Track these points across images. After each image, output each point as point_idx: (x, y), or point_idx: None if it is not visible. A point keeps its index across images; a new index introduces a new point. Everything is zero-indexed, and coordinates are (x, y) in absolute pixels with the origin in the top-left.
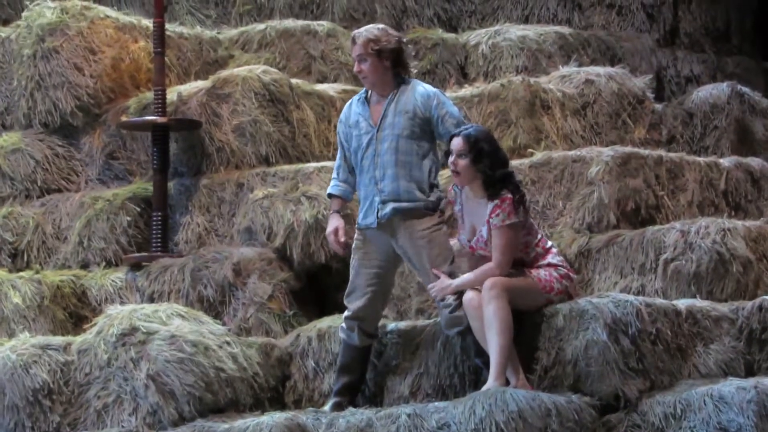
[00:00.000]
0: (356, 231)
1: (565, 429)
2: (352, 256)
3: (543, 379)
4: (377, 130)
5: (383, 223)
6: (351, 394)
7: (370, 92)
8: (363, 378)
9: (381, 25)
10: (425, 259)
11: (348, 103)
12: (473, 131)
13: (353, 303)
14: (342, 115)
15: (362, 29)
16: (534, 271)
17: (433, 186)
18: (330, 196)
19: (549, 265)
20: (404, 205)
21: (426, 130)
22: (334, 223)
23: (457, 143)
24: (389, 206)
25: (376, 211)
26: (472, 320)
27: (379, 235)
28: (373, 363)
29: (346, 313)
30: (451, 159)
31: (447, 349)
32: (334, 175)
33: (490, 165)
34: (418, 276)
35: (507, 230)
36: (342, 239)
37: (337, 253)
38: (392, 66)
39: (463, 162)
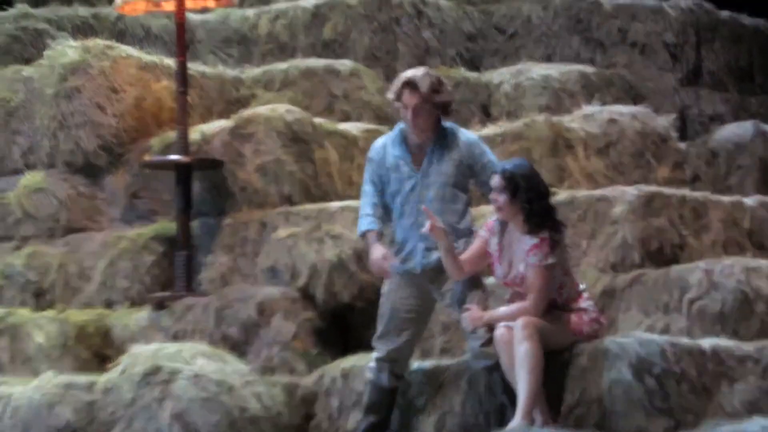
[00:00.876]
0: (392, 274)
1: None
2: (383, 298)
3: (568, 417)
4: (422, 177)
5: (426, 270)
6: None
7: (407, 134)
8: (389, 418)
9: (436, 74)
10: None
11: (381, 144)
12: (509, 167)
13: (386, 345)
14: (374, 155)
15: (419, 75)
16: (565, 314)
17: (470, 233)
18: (368, 231)
19: (580, 309)
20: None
21: (467, 176)
22: (380, 249)
23: (495, 180)
24: (435, 254)
25: (419, 257)
26: (502, 356)
27: (419, 281)
28: (397, 402)
29: (377, 354)
30: (492, 196)
31: (472, 388)
32: (370, 211)
33: (527, 200)
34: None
35: (545, 270)
36: (391, 262)
37: (378, 275)
38: (440, 116)
39: (502, 198)
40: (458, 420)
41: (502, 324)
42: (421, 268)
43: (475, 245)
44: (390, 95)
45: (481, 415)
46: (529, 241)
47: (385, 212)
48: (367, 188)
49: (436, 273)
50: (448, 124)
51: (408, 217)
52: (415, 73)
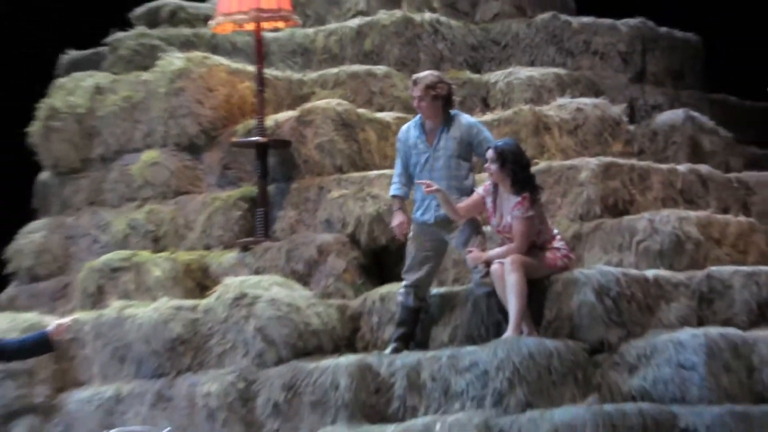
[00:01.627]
0: (413, 224)
1: (563, 366)
2: (409, 242)
3: (547, 330)
4: (433, 151)
5: (438, 221)
6: (405, 342)
7: (424, 120)
8: (415, 330)
9: (436, 73)
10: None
11: (405, 128)
12: (500, 144)
13: (412, 275)
14: (401, 136)
15: (422, 75)
16: (543, 252)
17: (472, 191)
18: (395, 196)
19: (554, 248)
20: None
21: (468, 150)
22: (400, 218)
23: (489, 153)
24: (443, 210)
25: (432, 211)
26: (496, 284)
27: (433, 229)
28: (420, 318)
29: (405, 282)
30: (486, 165)
31: (476, 308)
32: (396, 180)
33: (512, 169)
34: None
35: (525, 220)
36: (405, 232)
37: (398, 238)
38: (443, 105)
39: (494, 167)
40: (465, 332)
41: (496, 261)
42: (434, 219)
43: (471, 199)
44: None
45: (483, 328)
46: (514, 199)
47: (409, 179)
48: (397, 161)
49: (445, 223)
50: (454, 111)
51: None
52: (420, 74)
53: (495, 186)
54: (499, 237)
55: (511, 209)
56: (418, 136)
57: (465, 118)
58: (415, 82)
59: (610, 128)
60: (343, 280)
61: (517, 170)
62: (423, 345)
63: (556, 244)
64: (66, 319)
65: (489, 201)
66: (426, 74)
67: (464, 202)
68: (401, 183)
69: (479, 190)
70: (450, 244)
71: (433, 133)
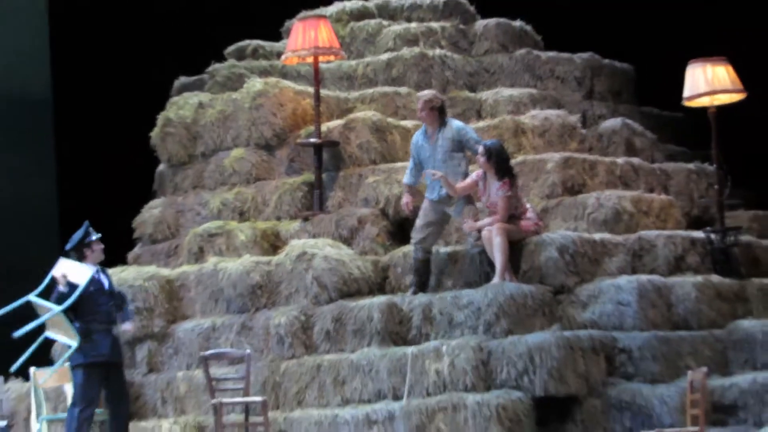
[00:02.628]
0: (425, 201)
1: (535, 304)
2: (420, 212)
3: (523, 277)
4: (433, 148)
5: (441, 198)
6: (421, 286)
7: (426, 128)
8: (428, 279)
9: (433, 92)
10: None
11: (416, 134)
12: (489, 143)
13: (417, 235)
14: (414, 139)
15: (422, 94)
16: (519, 221)
17: (466, 175)
18: (405, 184)
19: (528, 218)
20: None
21: (459, 146)
22: (406, 198)
23: (480, 150)
24: (444, 190)
25: (437, 191)
26: (486, 245)
27: (437, 204)
28: (432, 272)
29: (413, 240)
30: (477, 158)
31: (472, 263)
32: (408, 173)
33: (496, 161)
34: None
35: (506, 199)
36: (410, 208)
37: (404, 211)
38: (438, 114)
39: (482, 160)
40: (464, 280)
41: (485, 228)
42: (437, 197)
43: (467, 182)
44: None
45: (476, 277)
46: (498, 183)
47: (418, 172)
48: (411, 160)
49: (446, 199)
50: (449, 119)
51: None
52: (421, 92)
53: (484, 173)
54: (488, 210)
55: (496, 190)
56: (423, 139)
57: (455, 122)
58: (419, 99)
59: (568, 132)
60: (376, 242)
61: (500, 162)
62: (434, 289)
63: (529, 215)
64: (130, 325)
65: (480, 184)
66: (425, 93)
67: (461, 184)
68: (411, 175)
69: (473, 176)
70: (450, 215)
71: (433, 135)
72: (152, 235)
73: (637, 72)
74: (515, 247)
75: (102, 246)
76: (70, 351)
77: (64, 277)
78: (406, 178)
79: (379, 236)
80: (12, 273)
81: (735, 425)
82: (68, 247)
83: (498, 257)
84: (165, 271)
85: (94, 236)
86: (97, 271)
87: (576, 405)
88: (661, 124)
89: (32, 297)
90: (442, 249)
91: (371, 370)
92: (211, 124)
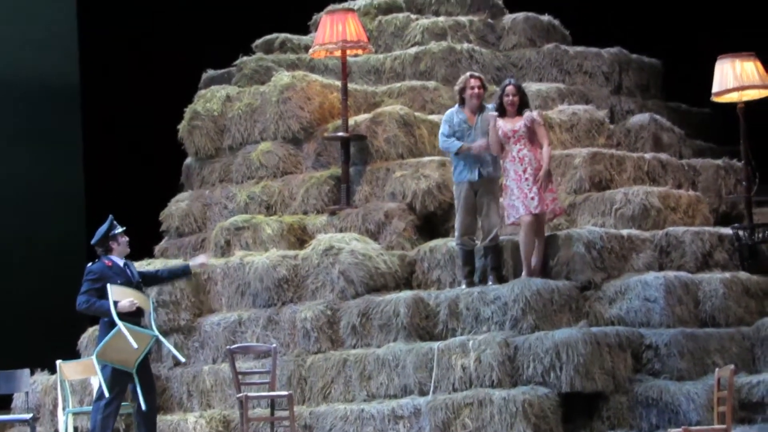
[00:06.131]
0: (462, 185)
1: (561, 299)
2: (456, 201)
3: (550, 273)
4: (474, 130)
5: (482, 179)
6: (471, 276)
7: (460, 109)
8: (474, 268)
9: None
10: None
11: (450, 113)
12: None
13: (461, 225)
14: (449, 116)
15: (479, 74)
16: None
17: (496, 160)
18: (462, 146)
19: (553, 194)
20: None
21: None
22: (481, 142)
23: (510, 88)
24: (482, 170)
25: (477, 172)
26: (521, 236)
27: (475, 185)
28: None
29: (457, 233)
30: (504, 95)
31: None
32: (450, 140)
33: (522, 95)
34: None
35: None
36: (485, 147)
37: (484, 147)
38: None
39: (512, 91)
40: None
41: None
42: (479, 177)
43: (491, 135)
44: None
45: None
46: (520, 119)
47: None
48: (446, 134)
49: (486, 180)
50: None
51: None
52: (476, 73)
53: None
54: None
55: (528, 120)
56: (462, 119)
57: (489, 106)
58: (473, 77)
59: (596, 127)
60: (402, 237)
61: (524, 96)
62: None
63: (551, 196)
64: (204, 257)
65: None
66: (478, 73)
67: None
68: (455, 139)
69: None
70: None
71: (473, 117)
72: (179, 228)
73: (665, 67)
74: (546, 244)
75: (127, 239)
76: (152, 342)
77: (132, 303)
78: (455, 143)
79: (406, 231)
80: (37, 263)
81: (762, 423)
82: (93, 241)
83: (521, 249)
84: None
85: (119, 229)
86: (125, 264)
87: (602, 401)
88: (689, 120)
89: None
90: (480, 242)
91: (397, 365)
92: (239, 118)
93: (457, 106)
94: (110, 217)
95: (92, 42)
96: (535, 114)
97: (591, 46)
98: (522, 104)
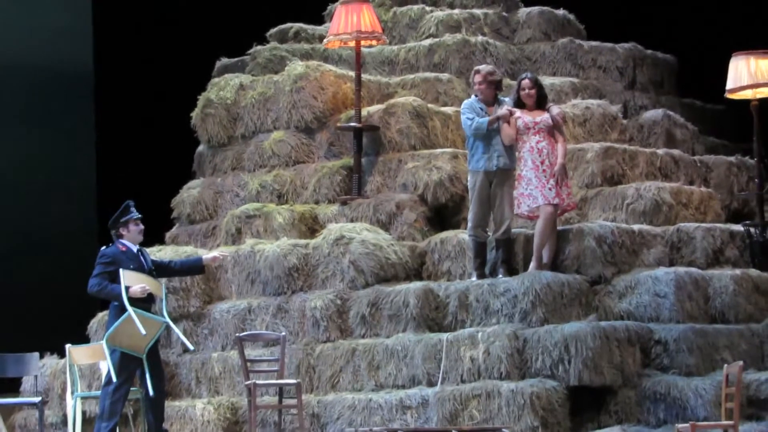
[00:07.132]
0: (477, 175)
1: (571, 293)
2: (471, 193)
3: (560, 266)
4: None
5: (499, 169)
6: (482, 268)
7: (478, 98)
8: (486, 259)
9: (492, 66)
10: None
11: (469, 103)
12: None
13: (475, 216)
14: (469, 105)
15: (481, 67)
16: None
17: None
18: (488, 120)
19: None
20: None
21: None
22: (503, 111)
23: (526, 82)
24: (500, 160)
25: (495, 160)
26: (538, 226)
27: (491, 176)
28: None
29: (470, 224)
30: (522, 88)
31: (521, 248)
32: (477, 118)
33: (540, 88)
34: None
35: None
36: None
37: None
38: (495, 89)
39: (529, 85)
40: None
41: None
42: (496, 167)
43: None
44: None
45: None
46: (540, 112)
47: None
48: (470, 118)
49: (502, 171)
50: (501, 97)
51: (484, 139)
52: (481, 66)
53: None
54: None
55: (559, 114)
56: (482, 107)
57: (507, 101)
58: (476, 72)
59: (609, 122)
60: (413, 228)
61: (541, 89)
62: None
63: (566, 191)
64: (219, 253)
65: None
66: (484, 66)
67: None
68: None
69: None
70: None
71: (491, 108)
72: (190, 216)
73: (680, 63)
74: (558, 238)
75: (141, 227)
76: (162, 329)
77: (144, 289)
78: (482, 121)
79: (417, 222)
80: (48, 248)
81: None
82: (109, 223)
83: (535, 240)
84: (202, 252)
85: (133, 216)
86: (138, 250)
87: (610, 395)
88: (703, 116)
89: (167, 320)
90: (492, 234)
91: (406, 355)
92: (252, 106)
93: (473, 96)
94: (126, 202)
95: (106, 29)
96: (558, 108)
97: (606, 41)
98: (540, 97)
